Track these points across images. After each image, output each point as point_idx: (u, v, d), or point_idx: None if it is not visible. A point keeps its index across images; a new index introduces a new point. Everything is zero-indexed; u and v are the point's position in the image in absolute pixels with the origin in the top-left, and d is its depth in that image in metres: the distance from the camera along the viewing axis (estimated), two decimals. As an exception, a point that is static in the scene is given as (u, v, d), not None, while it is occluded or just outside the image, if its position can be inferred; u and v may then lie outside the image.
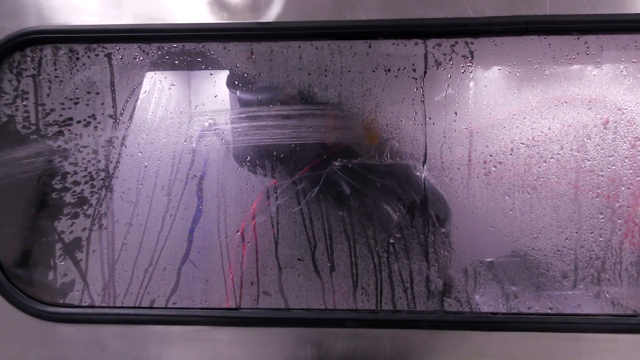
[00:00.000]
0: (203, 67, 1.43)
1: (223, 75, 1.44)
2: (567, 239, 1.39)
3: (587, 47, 1.34)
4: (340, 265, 1.47)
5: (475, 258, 1.43)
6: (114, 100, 1.46)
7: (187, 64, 1.43)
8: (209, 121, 1.47)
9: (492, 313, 1.42)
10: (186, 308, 1.50)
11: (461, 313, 1.43)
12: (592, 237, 1.39)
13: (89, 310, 1.50)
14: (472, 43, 1.36)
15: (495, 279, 1.43)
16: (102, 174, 1.51)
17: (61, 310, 1.50)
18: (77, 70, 1.43)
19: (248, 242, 1.49)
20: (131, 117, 1.49)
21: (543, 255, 1.41)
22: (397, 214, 1.44)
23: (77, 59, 1.43)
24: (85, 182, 1.51)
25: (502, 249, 1.42)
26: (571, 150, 1.37)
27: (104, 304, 1.52)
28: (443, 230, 1.42)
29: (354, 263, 1.46)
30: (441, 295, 1.44)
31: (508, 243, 1.41)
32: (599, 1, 1.30)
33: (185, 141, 1.47)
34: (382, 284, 1.45)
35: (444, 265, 1.44)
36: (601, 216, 1.38)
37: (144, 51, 1.42)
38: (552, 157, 1.38)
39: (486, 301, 1.43)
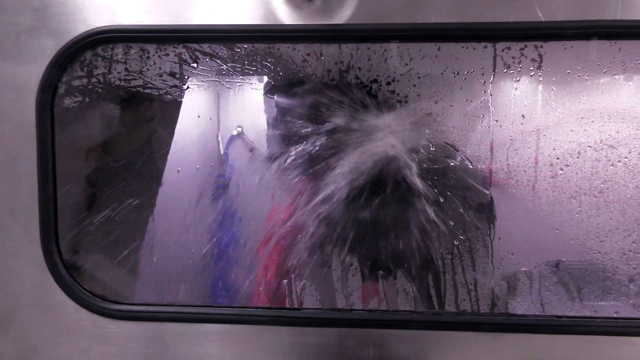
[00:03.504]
0: (272, 68, 1.44)
1: (293, 77, 1.45)
2: (634, 242, 1.39)
3: (658, 51, 1.35)
4: (403, 266, 1.47)
5: (541, 261, 1.43)
6: (183, 99, 1.49)
7: (257, 65, 1.44)
8: (282, 124, 1.48)
9: (557, 316, 1.42)
10: (248, 307, 1.51)
11: (525, 316, 1.43)
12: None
13: (151, 308, 1.51)
14: (541, 47, 1.37)
15: (561, 282, 1.43)
16: (166, 172, 1.53)
17: (124, 307, 1.50)
18: (147, 69, 1.45)
19: (313, 242, 1.49)
20: (202, 116, 1.51)
21: (609, 258, 1.41)
22: (462, 215, 1.45)
23: (148, 58, 1.44)
24: (150, 181, 1.53)
25: (568, 252, 1.42)
26: (639, 154, 1.38)
27: (165, 302, 1.52)
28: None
29: (417, 264, 1.47)
30: (505, 297, 1.44)
31: (574, 246, 1.41)
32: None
33: (254, 143, 1.49)
34: (446, 286, 1.46)
35: (508, 268, 1.44)
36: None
37: (214, 51, 1.44)
38: (619, 161, 1.38)
39: (551, 304, 1.43)
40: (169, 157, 1.54)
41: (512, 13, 1.33)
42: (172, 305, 1.52)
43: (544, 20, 1.33)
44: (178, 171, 1.55)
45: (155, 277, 1.53)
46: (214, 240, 1.54)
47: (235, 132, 1.66)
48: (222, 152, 1.57)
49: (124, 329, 1.50)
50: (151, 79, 1.46)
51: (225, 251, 1.54)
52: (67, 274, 1.50)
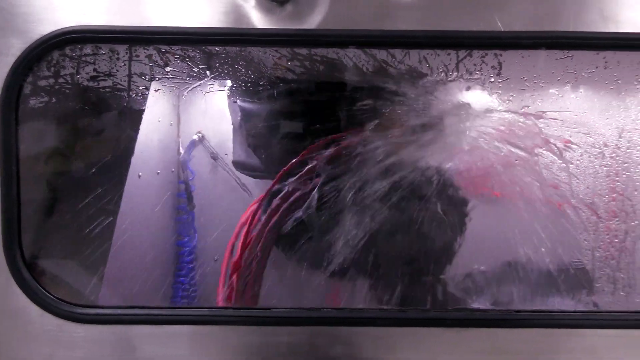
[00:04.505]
0: (243, 71, 1.47)
1: (266, 81, 1.48)
2: (585, 240, 1.49)
3: (605, 62, 1.45)
4: (371, 264, 1.52)
5: (500, 258, 1.50)
6: (141, 101, 1.49)
7: (228, 68, 1.47)
8: (248, 127, 1.51)
9: (516, 311, 1.49)
10: (217, 307, 1.52)
11: (486, 311, 1.50)
12: (607, 238, 1.49)
13: (119, 311, 1.49)
14: (501, 55, 1.45)
15: (518, 278, 1.51)
16: (130, 173, 1.53)
17: (90, 311, 1.48)
18: (117, 70, 1.45)
19: (279, 241, 1.52)
20: (165, 118, 1.52)
21: (563, 256, 1.50)
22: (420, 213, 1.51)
23: (117, 59, 1.44)
24: (114, 183, 1.52)
25: (524, 251, 1.50)
26: (589, 156, 1.48)
27: (133, 304, 1.51)
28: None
29: (384, 262, 1.51)
30: (467, 293, 1.51)
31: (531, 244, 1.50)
32: (614, 19, 1.41)
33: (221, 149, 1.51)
34: (411, 283, 1.51)
35: (468, 264, 1.51)
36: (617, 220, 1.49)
37: (185, 53, 1.45)
38: (572, 163, 1.48)
39: (510, 299, 1.51)
40: (136, 160, 1.54)
41: (475, 22, 1.40)
42: (139, 307, 1.50)
43: (503, 30, 1.40)
44: (138, 176, 1.55)
45: (122, 279, 1.52)
46: (180, 241, 1.55)
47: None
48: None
49: (91, 333, 1.48)
50: (120, 80, 1.46)
51: (193, 252, 1.55)
52: (30, 277, 1.46)
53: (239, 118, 1.73)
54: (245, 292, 1.57)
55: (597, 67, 1.45)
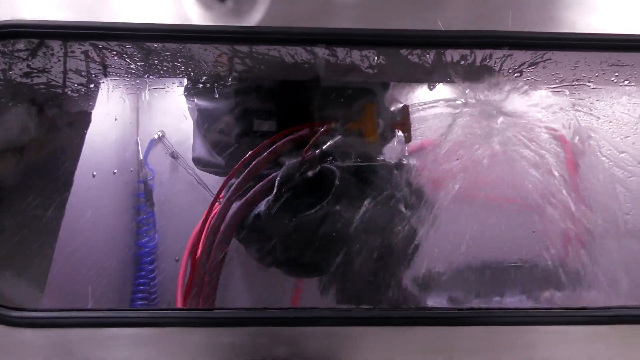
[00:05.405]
0: (183, 69, 1.44)
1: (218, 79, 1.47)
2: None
3: (545, 61, 1.47)
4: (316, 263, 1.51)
5: (448, 259, 1.51)
6: (89, 98, 1.45)
7: (167, 66, 1.44)
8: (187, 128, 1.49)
9: (459, 309, 1.49)
10: (159, 309, 1.49)
11: (430, 309, 1.51)
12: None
13: (55, 314, 1.45)
14: (443, 53, 1.45)
15: (464, 277, 1.52)
16: (66, 173, 1.49)
17: (25, 314, 1.43)
18: (52, 66, 1.41)
19: (223, 242, 1.50)
20: (97, 116, 1.48)
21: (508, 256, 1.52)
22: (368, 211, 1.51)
23: (52, 54, 1.40)
24: (48, 181, 1.49)
25: (473, 251, 1.51)
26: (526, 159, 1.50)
27: (71, 307, 1.47)
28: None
29: (328, 261, 1.51)
30: (414, 292, 1.51)
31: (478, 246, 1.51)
32: (552, 20, 1.43)
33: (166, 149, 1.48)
34: (357, 282, 1.50)
35: (415, 263, 1.51)
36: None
37: (122, 50, 1.42)
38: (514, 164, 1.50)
39: (457, 298, 1.51)
40: (91, 159, 1.51)
41: (417, 21, 1.40)
42: (77, 310, 1.46)
43: (443, 29, 1.41)
44: (93, 175, 1.52)
45: (60, 281, 1.48)
46: (140, 241, 1.52)
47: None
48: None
49: (25, 337, 1.43)
50: (55, 77, 1.42)
51: (153, 252, 1.52)
52: (-39, 280, 1.42)
53: (196, 115, 1.71)
54: (202, 292, 1.53)
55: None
